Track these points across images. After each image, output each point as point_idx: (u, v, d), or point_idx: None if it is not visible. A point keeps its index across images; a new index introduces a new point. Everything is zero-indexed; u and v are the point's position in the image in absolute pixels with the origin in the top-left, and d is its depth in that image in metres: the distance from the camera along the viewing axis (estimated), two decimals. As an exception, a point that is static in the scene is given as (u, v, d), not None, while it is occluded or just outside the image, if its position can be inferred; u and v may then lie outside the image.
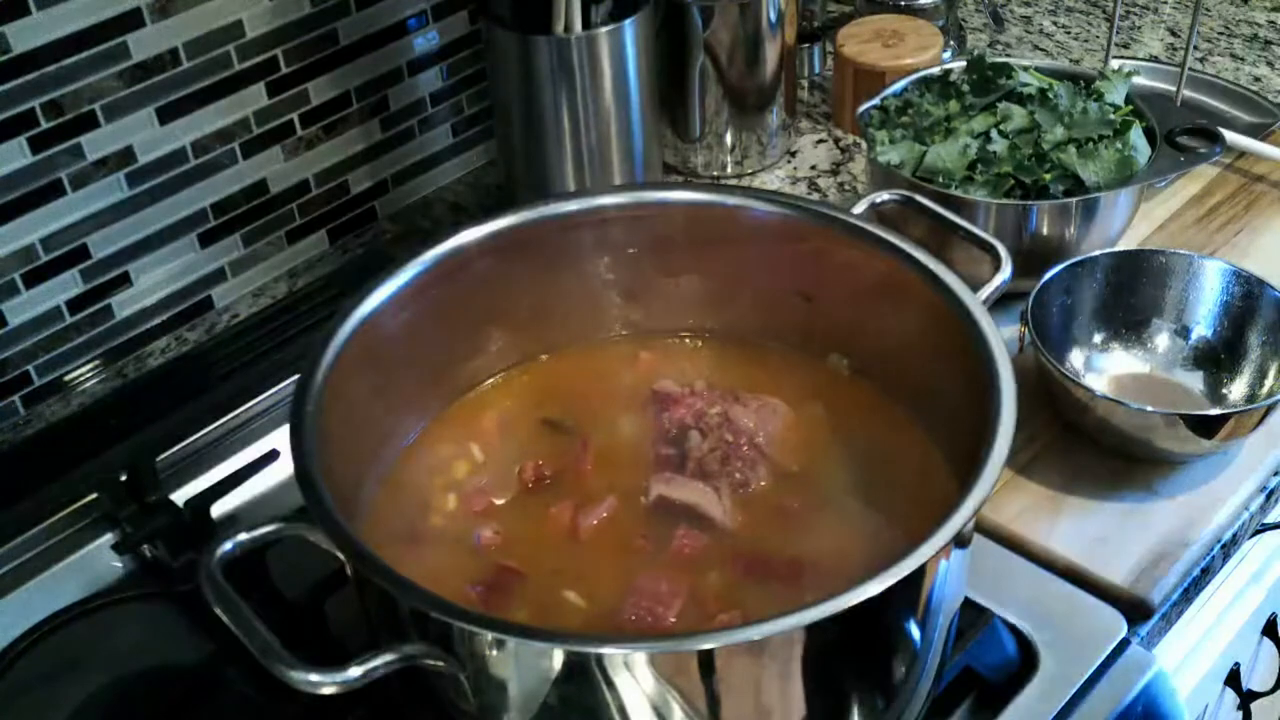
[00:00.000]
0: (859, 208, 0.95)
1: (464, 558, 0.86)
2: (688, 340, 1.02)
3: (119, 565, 0.99)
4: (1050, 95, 1.18)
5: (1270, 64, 1.54)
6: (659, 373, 0.98)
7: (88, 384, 1.18)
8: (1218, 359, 1.08)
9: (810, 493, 0.89)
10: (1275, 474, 1.03)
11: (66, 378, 1.17)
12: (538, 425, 0.95)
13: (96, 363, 1.19)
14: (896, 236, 0.89)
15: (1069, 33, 1.63)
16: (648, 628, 0.79)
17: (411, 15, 1.30)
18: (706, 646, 0.67)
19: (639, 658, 0.67)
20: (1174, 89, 1.33)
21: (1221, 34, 1.60)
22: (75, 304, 1.16)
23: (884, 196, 0.98)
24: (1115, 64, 1.34)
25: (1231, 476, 1.01)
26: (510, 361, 0.99)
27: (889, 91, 1.24)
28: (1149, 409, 0.97)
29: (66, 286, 1.14)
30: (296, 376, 0.81)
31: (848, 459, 0.91)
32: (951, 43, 1.53)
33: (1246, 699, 1.26)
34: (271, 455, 1.03)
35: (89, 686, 0.91)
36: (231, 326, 1.23)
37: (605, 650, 0.67)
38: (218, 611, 0.69)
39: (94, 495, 1.01)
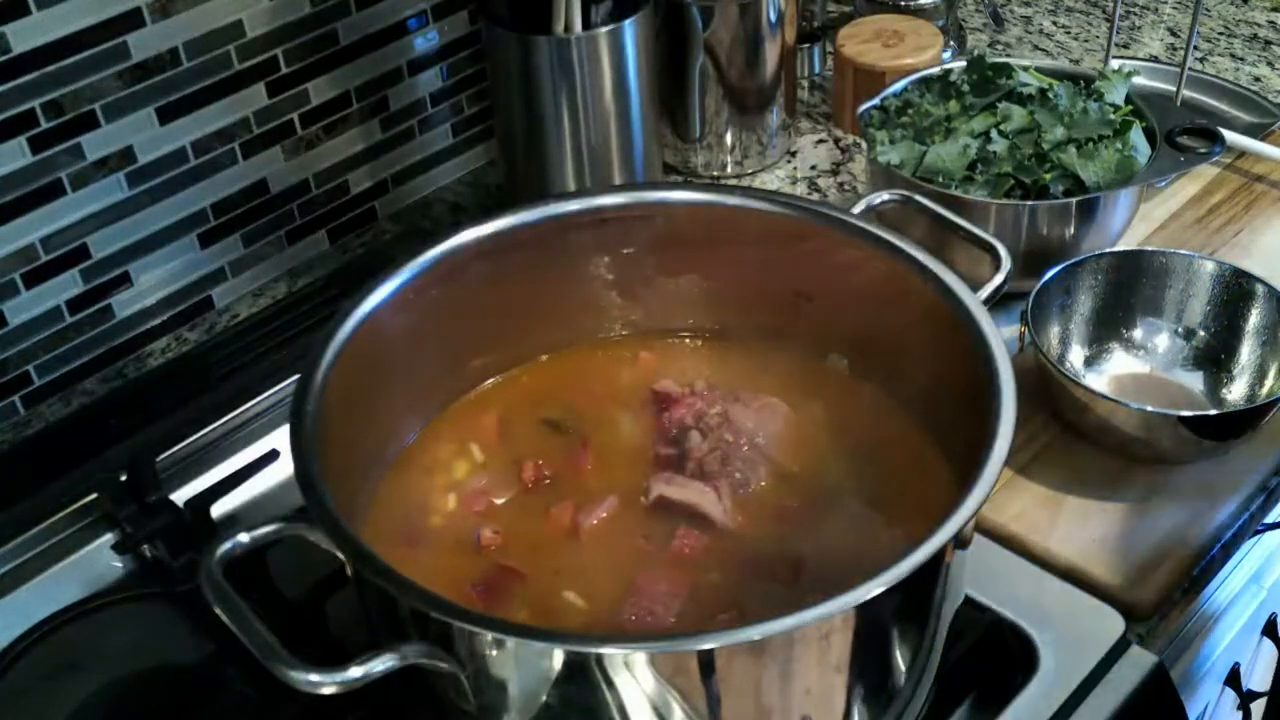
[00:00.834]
0: (859, 208, 0.96)
1: (464, 558, 0.86)
2: (688, 340, 1.02)
3: (119, 565, 0.99)
4: (1050, 95, 1.18)
5: (1270, 64, 1.54)
6: (659, 373, 0.98)
7: (88, 384, 1.18)
8: (1218, 359, 1.08)
9: (810, 493, 0.89)
10: (1275, 474, 1.03)
11: (66, 378, 1.17)
12: (538, 425, 0.95)
13: (96, 362, 1.19)
14: (896, 236, 0.89)
15: (1069, 33, 1.63)
16: (648, 628, 0.79)
17: (411, 15, 1.30)
18: (706, 646, 0.67)
19: (639, 658, 0.67)
20: (1174, 89, 1.33)
21: (1221, 34, 1.60)
22: (75, 304, 1.16)
23: (884, 196, 0.98)
24: (1115, 64, 1.33)
25: (1231, 476, 1.01)
26: (510, 361, 0.99)
27: (889, 91, 1.24)
28: (1149, 409, 0.97)
29: (66, 286, 1.14)
30: (296, 376, 0.81)
31: (848, 459, 0.91)
32: (951, 43, 1.52)
33: (1246, 699, 1.25)
34: (271, 455, 1.02)
35: (89, 686, 0.91)
36: (231, 326, 1.23)
37: (605, 650, 0.67)
38: (218, 611, 0.69)
39: (94, 495, 1.01)
